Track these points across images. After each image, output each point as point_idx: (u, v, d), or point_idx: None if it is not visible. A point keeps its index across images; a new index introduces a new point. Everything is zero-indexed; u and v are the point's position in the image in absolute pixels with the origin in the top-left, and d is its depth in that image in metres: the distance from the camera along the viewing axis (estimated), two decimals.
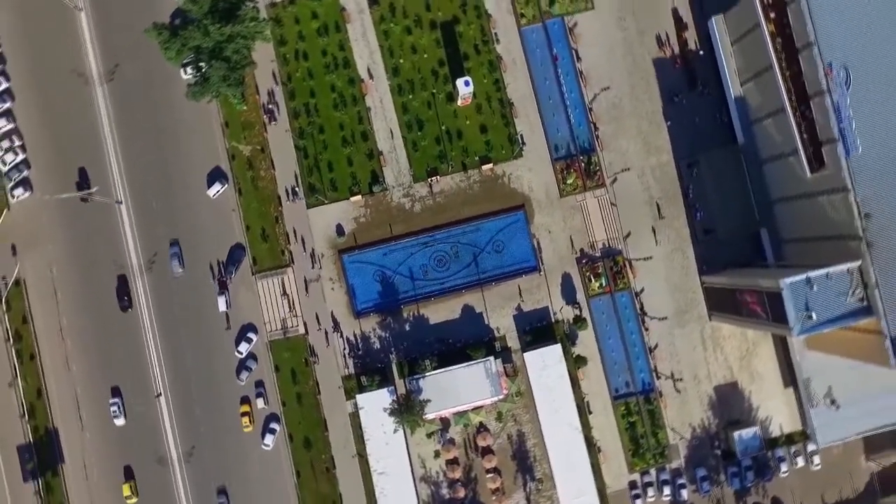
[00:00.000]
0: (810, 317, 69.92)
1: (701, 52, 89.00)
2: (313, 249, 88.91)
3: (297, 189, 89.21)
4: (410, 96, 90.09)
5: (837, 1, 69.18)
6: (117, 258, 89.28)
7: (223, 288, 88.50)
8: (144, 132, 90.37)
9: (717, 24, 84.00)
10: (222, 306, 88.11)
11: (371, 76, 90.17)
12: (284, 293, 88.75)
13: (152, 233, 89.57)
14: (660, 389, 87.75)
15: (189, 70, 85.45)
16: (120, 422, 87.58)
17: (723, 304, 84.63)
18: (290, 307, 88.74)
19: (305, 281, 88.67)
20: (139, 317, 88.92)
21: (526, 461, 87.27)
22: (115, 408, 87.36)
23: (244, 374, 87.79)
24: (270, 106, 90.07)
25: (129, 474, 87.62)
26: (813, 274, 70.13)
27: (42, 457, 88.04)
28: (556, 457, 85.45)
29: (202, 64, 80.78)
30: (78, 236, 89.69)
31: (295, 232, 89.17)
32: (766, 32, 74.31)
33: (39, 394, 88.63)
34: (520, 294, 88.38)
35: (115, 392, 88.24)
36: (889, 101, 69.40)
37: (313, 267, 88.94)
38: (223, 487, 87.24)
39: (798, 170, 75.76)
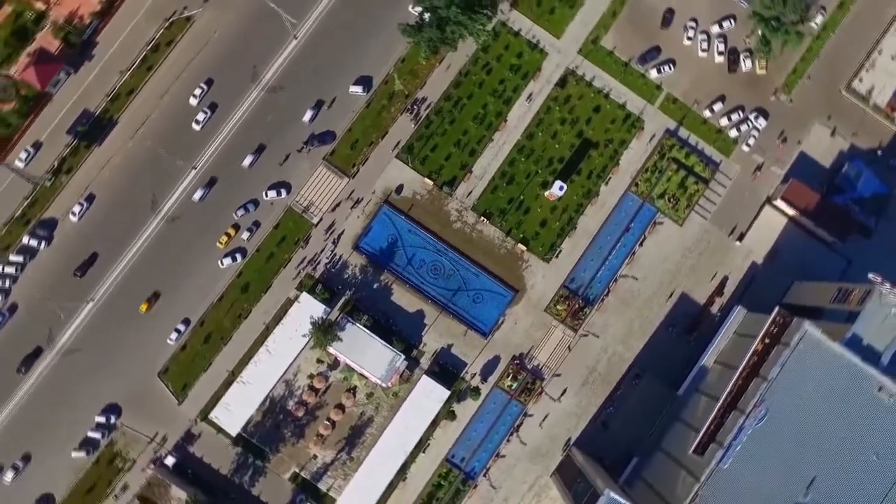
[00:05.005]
0: None
1: (714, 317, 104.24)
2: (374, 188, 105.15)
3: (417, 114, 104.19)
4: (522, 159, 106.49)
5: (803, 381, 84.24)
6: (259, 66, 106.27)
7: (303, 146, 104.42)
8: (353, 14, 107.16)
9: (737, 313, 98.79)
10: (306, 117, 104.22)
11: (513, 122, 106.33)
12: (332, 191, 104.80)
13: (294, 74, 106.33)
14: (477, 484, 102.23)
15: (416, 10, 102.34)
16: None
17: (567, 474, 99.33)
18: (322, 200, 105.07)
19: (349, 196, 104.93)
20: (233, 109, 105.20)
21: (356, 438, 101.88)
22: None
23: (240, 212, 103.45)
24: (437, 78, 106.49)
25: (124, 188, 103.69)
26: None
27: (91, 130, 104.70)
28: (375, 456, 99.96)
29: (426, 19, 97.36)
30: (250, 30, 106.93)
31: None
32: (753, 348, 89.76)
33: (131, 93, 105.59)
34: (461, 337, 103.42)
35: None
36: (770, 458, 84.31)
37: (359, 200, 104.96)
38: (167, 265, 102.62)
39: (688, 443, 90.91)
